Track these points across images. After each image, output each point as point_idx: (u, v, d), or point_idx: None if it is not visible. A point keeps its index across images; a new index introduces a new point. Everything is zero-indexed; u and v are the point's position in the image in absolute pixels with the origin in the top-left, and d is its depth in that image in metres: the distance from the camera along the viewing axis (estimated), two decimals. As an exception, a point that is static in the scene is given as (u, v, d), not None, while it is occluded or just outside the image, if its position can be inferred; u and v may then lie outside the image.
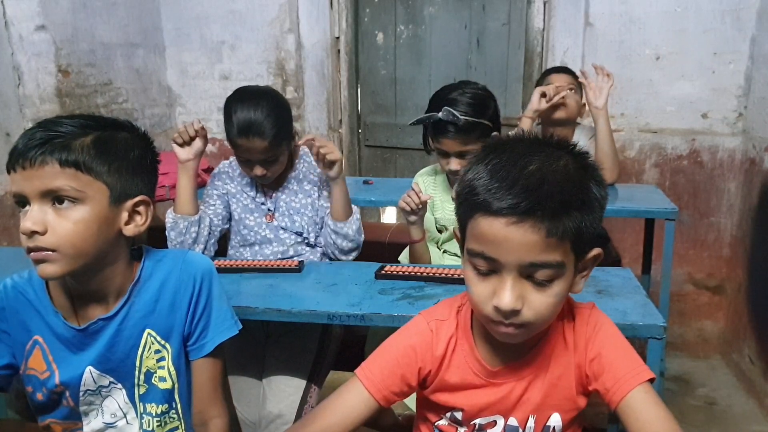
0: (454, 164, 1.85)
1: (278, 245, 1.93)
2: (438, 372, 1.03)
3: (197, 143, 1.80)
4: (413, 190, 1.80)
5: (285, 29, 3.17)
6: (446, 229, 1.97)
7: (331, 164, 1.79)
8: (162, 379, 1.17)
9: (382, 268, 1.72)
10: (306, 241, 1.94)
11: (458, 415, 1.04)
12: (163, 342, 1.16)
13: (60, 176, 1.00)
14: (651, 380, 0.94)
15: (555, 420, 1.01)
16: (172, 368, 1.17)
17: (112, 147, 1.06)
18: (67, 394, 1.15)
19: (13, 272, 1.17)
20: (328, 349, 1.89)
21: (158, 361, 1.16)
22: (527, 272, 0.87)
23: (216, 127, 3.35)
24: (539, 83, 2.56)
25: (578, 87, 2.49)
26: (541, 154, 0.88)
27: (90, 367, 1.14)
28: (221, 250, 2.00)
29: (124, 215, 1.08)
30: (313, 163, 1.93)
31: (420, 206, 1.78)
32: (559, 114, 2.46)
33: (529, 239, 0.84)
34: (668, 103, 2.90)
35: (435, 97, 1.88)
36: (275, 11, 3.15)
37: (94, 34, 2.71)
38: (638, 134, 2.96)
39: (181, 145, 1.79)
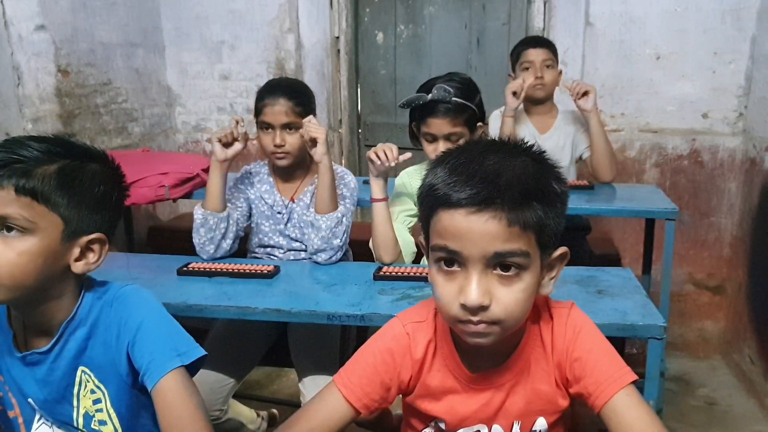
0: (442, 147, 1.80)
1: (289, 250, 1.98)
2: (420, 375, 1.01)
3: (237, 146, 1.82)
4: (391, 150, 1.76)
5: (285, 29, 3.17)
6: None
7: (312, 142, 1.78)
8: (102, 422, 1.09)
9: (379, 269, 1.72)
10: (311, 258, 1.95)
11: (441, 425, 1.02)
12: (98, 383, 1.08)
13: (13, 204, 0.94)
14: (634, 382, 0.93)
15: (540, 424, 1.00)
16: (111, 411, 1.08)
17: (77, 179, 0.99)
18: (20, 421, 1.11)
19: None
20: (347, 352, 1.91)
21: (95, 402, 1.08)
22: (493, 263, 0.86)
23: (216, 127, 3.35)
24: (514, 56, 2.52)
25: (554, 59, 2.48)
26: (498, 152, 0.89)
27: (30, 400, 1.09)
28: (239, 251, 2.00)
29: (76, 251, 1.01)
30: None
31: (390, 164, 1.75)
32: (538, 94, 2.47)
33: (490, 229, 0.84)
34: (668, 103, 2.90)
35: (422, 87, 1.89)
36: (275, 11, 3.15)
37: (93, 34, 2.70)
38: (638, 134, 2.96)
39: (224, 145, 1.80)
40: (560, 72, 2.52)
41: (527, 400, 0.99)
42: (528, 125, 2.54)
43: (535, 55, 2.44)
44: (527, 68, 2.45)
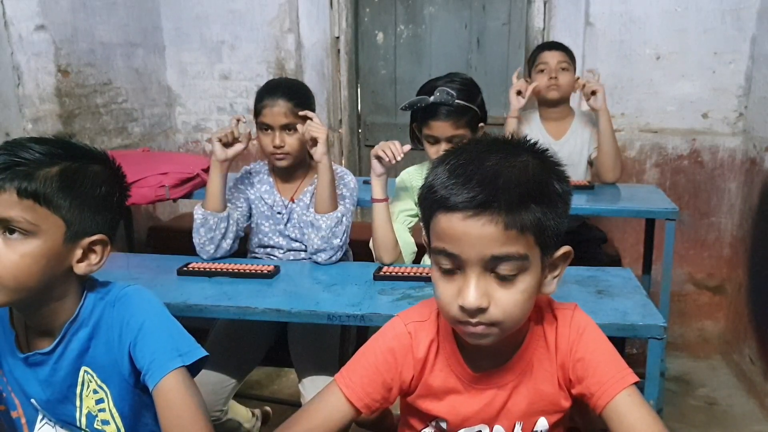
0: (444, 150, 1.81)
1: (289, 250, 1.98)
2: (422, 375, 1.01)
3: (238, 146, 1.82)
4: (396, 146, 1.75)
5: (285, 29, 3.17)
6: None
7: (313, 141, 1.78)
8: (105, 422, 1.10)
9: (379, 269, 1.72)
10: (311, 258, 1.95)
11: (443, 425, 1.02)
12: (100, 383, 1.08)
13: (16, 206, 0.94)
14: (636, 383, 0.94)
15: (542, 424, 1.00)
16: (114, 411, 1.09)
17: (79, 181, 1.00)
18: (23, 421, 1.12)
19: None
20: (347, 352, 1.91)
21: (97, 402, 1.09)
22: (491, 266, 0.86)
23: (216, 127, 3.35)
24: (531, 60, 2.55)
25: (571, 63, 2.49)
26: (499, 152, 0.88)
27: (33, 400, 1.09)
28: (239, 251, 2.01)
29: (78, 252, 1.01)
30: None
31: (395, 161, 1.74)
32: (552, 94, 2.48)
33: (487, 232, 0.83)
34: (668, 103, 2.90)
35: (423, 88, 1.88)
36: (275, 11, 3.15)
37: (93, 34, 2.70)
38: (639, 134, 2.96)
39: (224, 145, 1.81)
40: (577, 79, 2.51)
41: (530, 401, 0.99)
42: (542, 132, 2.53)
43: (551, 57, 2.46)
44: (543, 70, 2.46)
